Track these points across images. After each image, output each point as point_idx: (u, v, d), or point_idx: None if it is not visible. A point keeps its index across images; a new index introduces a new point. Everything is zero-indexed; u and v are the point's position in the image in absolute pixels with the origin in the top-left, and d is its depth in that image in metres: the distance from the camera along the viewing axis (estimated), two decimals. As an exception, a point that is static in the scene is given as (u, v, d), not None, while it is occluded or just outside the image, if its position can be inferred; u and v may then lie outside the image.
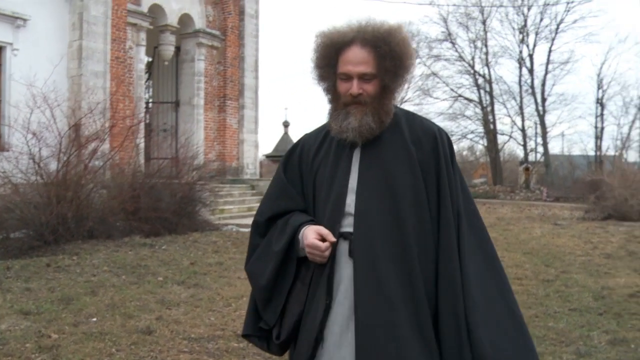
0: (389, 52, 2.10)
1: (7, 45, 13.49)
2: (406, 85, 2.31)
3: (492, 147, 39.03)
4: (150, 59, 20.06)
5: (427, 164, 2.14)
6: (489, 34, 38.40)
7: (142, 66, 16.71)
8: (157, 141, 17.95)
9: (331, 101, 2.23)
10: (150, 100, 20.72)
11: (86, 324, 5.38)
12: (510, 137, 40.88)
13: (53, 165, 10.62)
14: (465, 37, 40.07)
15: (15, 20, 13.47)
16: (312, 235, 2.10)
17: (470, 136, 41.35)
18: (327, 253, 2.07)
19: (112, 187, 11.37)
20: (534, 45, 37.69)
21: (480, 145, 40.16)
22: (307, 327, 2.12)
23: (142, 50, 16.67)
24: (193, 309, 6.09)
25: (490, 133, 39.04)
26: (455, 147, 2.14)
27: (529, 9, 37.02)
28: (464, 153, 49.60)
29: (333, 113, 2.20)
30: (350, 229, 2.11)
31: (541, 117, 37.33)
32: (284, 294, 2.20)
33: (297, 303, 2.18)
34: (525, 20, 37.36)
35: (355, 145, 2.18)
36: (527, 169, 35.16)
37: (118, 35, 15.64)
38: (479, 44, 38.57)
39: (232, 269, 8.38)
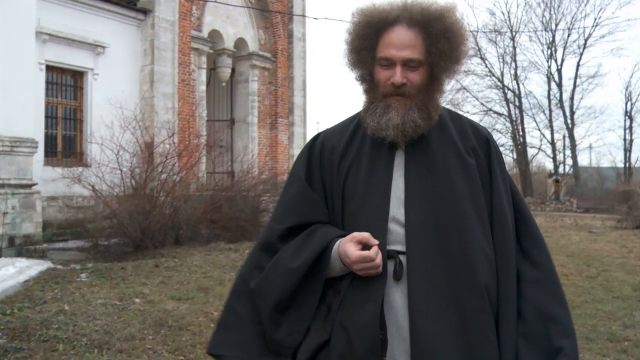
0: (442, 34, 1.75)
1: (89, 71, 14.76)
2: (454, 79, 1.96)
3: (522, 159, 39.91)
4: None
5: (482, 170, 1.85)
6: (517, 49, 39.46)
7: (203, 87, 17.94)
8: (214, 157, 19.16)
9: (367, 91, 1.87)
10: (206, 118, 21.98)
11: (234, 306, 6.46)
12: (540, 149, 41.85)
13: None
14: (495, 52, 41.08)
15: (95, 47, 14.75)
16: (352, 248, 1.71)
17: (500, 149, 42.25)
18: (379, 260, 1.69)
19: (194, 199, 12.54)
20: (562, 60, 38.72)
21: (510, 158, 41.13)
22: None
23: (203, 72, 17.90)
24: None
25: (520, 146, 39.93)
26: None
27: (556, 25, 38.05)
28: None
29: (369, 106, 1.83)
30: (398, 247, 1.74)
31: (570, 130, 38.29)
32: (307, 316, 1.79)
33: (317, 333, 1.78)
34: (554, 36, 38.35)
35: (396, 145, 1.84)
36: (557, 180, 36.04)
37: (183, 60, 16.91)
38: (508, 59, 39.65)
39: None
